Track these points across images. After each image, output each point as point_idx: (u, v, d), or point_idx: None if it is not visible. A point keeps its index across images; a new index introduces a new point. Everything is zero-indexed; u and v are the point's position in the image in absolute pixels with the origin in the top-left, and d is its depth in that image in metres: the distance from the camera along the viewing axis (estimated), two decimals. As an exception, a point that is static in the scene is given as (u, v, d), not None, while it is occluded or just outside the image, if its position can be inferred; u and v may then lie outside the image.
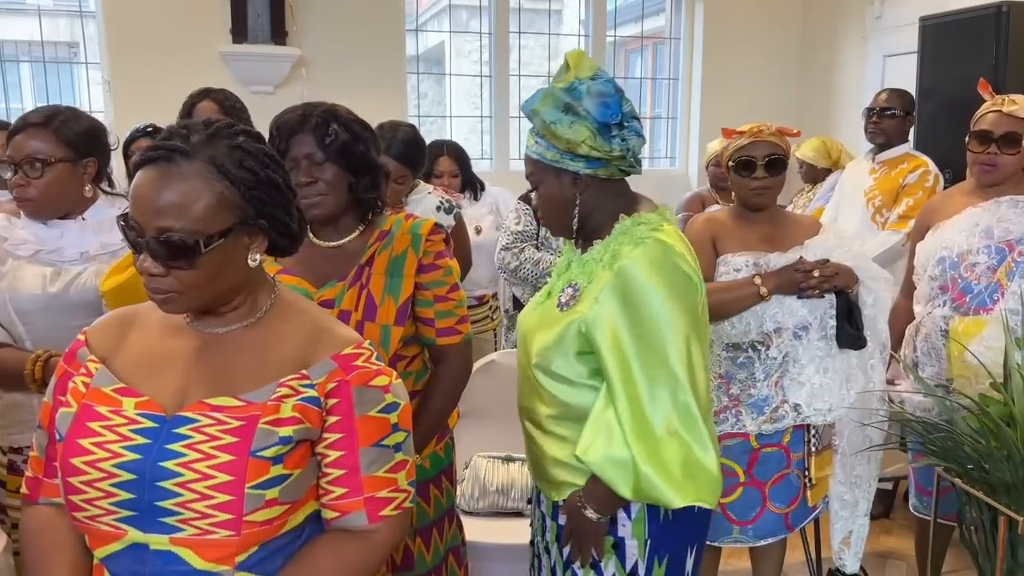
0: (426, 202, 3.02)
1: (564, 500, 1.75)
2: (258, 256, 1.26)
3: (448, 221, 3.00)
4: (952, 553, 2.91)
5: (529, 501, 2.01)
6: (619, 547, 1.73)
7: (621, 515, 1.72)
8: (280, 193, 1.26)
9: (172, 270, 1.18)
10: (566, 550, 1.77)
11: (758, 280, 2.24)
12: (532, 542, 1.94)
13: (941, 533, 2.41)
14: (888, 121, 3.52)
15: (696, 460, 1.60)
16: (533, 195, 1.79)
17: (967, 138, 2.56)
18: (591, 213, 1.70)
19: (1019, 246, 2.46)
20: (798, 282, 2.23)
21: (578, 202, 1.70)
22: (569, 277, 1.72)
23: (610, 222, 1.69)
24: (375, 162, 1.84)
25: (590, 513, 1.68)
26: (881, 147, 3.56)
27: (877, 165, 3.55)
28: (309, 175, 1.76)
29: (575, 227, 1.73)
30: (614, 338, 1.60)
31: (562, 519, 1.77)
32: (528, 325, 1.77)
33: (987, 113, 2.53)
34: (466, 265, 3.12)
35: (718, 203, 3.93)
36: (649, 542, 1.72)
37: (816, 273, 2.22)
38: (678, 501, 1.60)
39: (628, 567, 1.74)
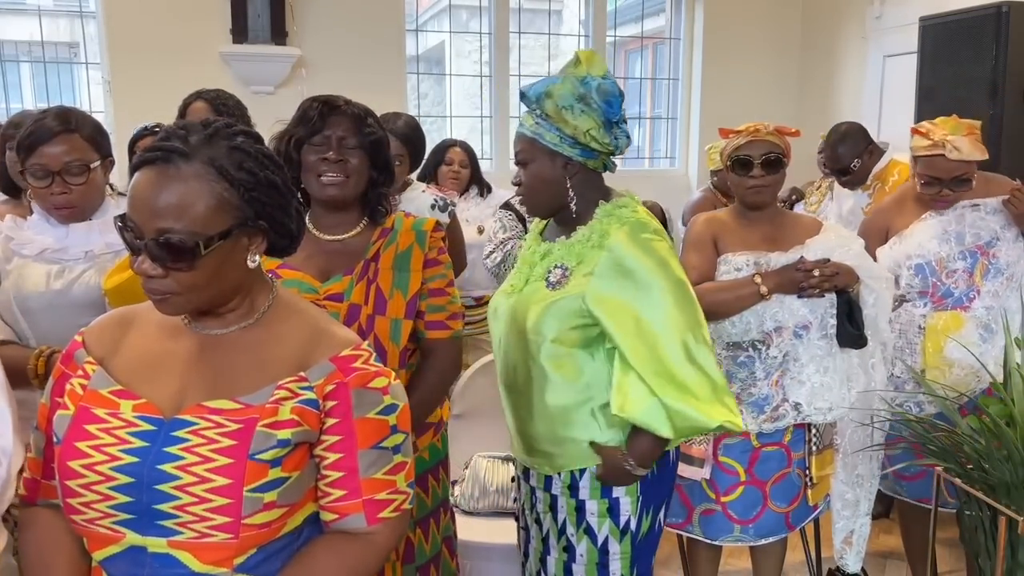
0: (420, 200, 3.01)
1: (575, 470, 1.86)
2: (257, 257, 1.26)
3: (444, 219, 3.01)
4: (952, 553, 2.92)
5: (514, 479, 2.12)
6: (613, 508, 1.87)
7: None
8: (279, 194, 1.26)
9: (171, 271, 1.18)
10: (560, 516, 1.90)
11: (758, 279, 2.24)
12: (516, 516, 2.07)
13: (924, 520, 2.43)
14: (852, 176, 3.57)
15: (717, 384, 1.76)
16: (516, 197, 1.88)
17: (915, 174, 2.61)
18: (576, 198, 1.84)
19: (990, 248, 2.55)
20: (799, 281, 2.23)
21: (569, 185, 1.84)
22: (552, 260, 1.86)
23: (588, 209, 1.85)
24: (393, 169, 1.94)
25: (630, 467, 1.82)
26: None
27: (869, 181, 3.58)
28: (340, 154, 1.81)
29: (556, 209, 1.87)
30: (617, 304, 1.75)
31: (555, 489, 1.90)
32: (516, 305, 1.88)
33: (928, 156, 2.55)
34: (460, 263, 3.12)
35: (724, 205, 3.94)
36: (641, 498, 1.88)
37: (816, 272, 2.22)
38: (713, 423, 1.74)
39: (621, 524, 1.89)
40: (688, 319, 1.75)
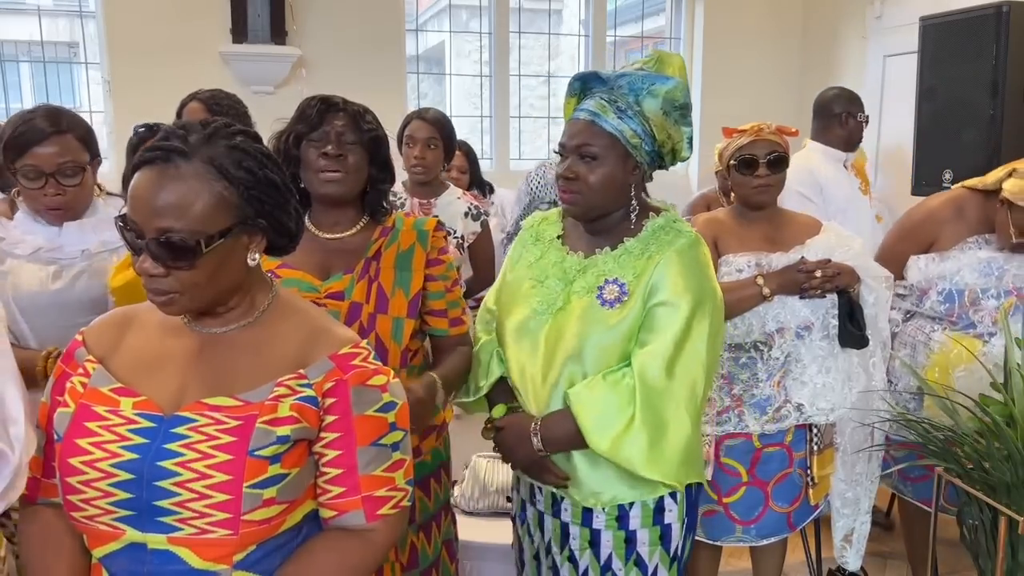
0: (454, 206, 3.01)
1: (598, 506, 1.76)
2: (257, 256, 1.27)
3: (474, 228, 3.01)
4: (952, 553, 2.91)
5: (511, 502, 2.01)
6: (665, 535, 1.76)
7: (668, 501, 1.75)
8: (279, 193, 1.26)
9: (172, 271, 1.18)
10: (603, 552, 1.76)
11: (760, 280, 2.24)
12: (535, 555, 1.90)
13: (926, 521, 2.41)
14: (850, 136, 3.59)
15: (695, 446, 1.70)
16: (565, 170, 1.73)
17: (1003, 203, 2.38)
18: (631, 204, 1.75)
19: None
20: (800, 282, 2.23)
21: (633, 192, 1.73)
22: (600, 274, 1.73)
23: (627, 218, 1.75)
24: (393, 167, 1.92)
25: (536, 442, 1.72)
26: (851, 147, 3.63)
27: (848, 166, 3.59)
28: (339, 149, 1.80)
29: (607, 214, 1.74)
30: (680, 295, 1.66)
31: (597, 523, 1.75)
32: (562, 325, 1.72)
33: None
34: (489, 275, 3.09)
35: (723, 207, 3.93)
36: (686, 521, 1.80)
37: (818, 273, 2.22)
38: (651, 474, 1.65)
39: (671, 551, 1.78)
40: (703, 374, 1.68)
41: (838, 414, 2.32)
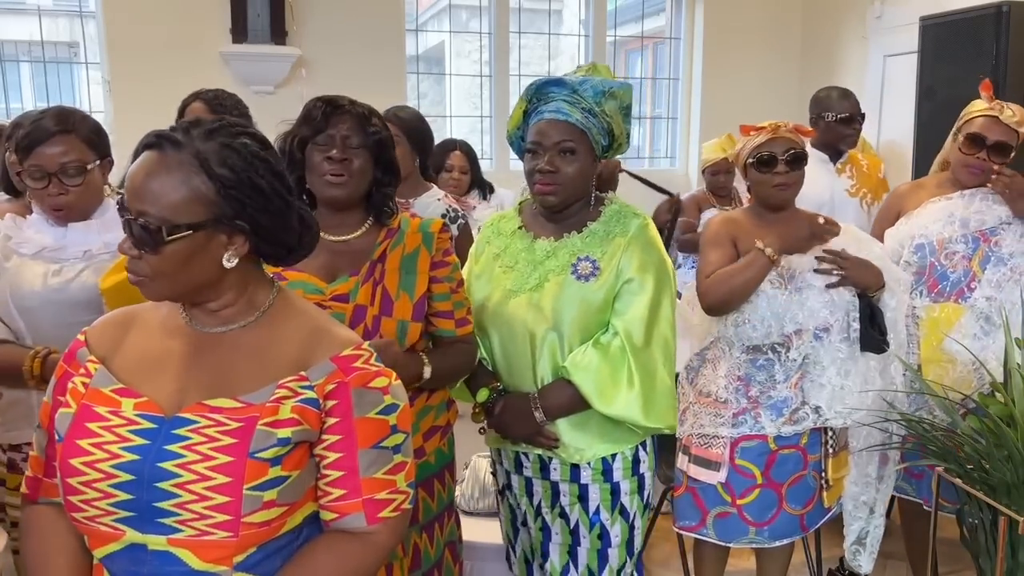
0: (432, 208, 2.97)
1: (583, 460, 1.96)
2: (235, 258, 1.24)
3: (451, 231, 2.97)
4: (952, 553, 2.91)
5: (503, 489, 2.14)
6: (641, 484, 1.99)
7: (641, 452, 1.98)
8: (264, 198, 1.23)
9: (143, 254, 1.20)
10: (591, 505, 1.95)
11: (760, 244, 2.21)
12: (524, 521, 2.07)
13: (926, 520, 2.42)
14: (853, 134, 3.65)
15: (675, 396, 1.91)
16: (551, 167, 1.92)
17: (956, 134, 2.62)
18: (592, 192, 1.97)
19: (993, 236, 2.54)
20: (803, 240, 2.23)
21: (594, 181, 1.94)
22: (572, 253, 1.92)
23: (587, 205, 1.97)
24: (398, 169, 1.94)
25: (539, 415, 1.91)
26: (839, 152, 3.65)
27: (840, 165, 3.62)
28: (344, 153, 1.81)
29: (575, 203, 1.94)
30: (645, 271, 1.89)
31: (584, 478, 1.94)
32: (540, 302, 1.91)
33: (981, 116, 2.56)
34: None
35: (714, 207, 3.93)
36: (655, 470, 2.05)
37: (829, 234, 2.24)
38: (650, 423, 1.87)
39: (645, 499, 2.01)
40: (670, 329, 1.94)
41: (856, 417, 2.29)
